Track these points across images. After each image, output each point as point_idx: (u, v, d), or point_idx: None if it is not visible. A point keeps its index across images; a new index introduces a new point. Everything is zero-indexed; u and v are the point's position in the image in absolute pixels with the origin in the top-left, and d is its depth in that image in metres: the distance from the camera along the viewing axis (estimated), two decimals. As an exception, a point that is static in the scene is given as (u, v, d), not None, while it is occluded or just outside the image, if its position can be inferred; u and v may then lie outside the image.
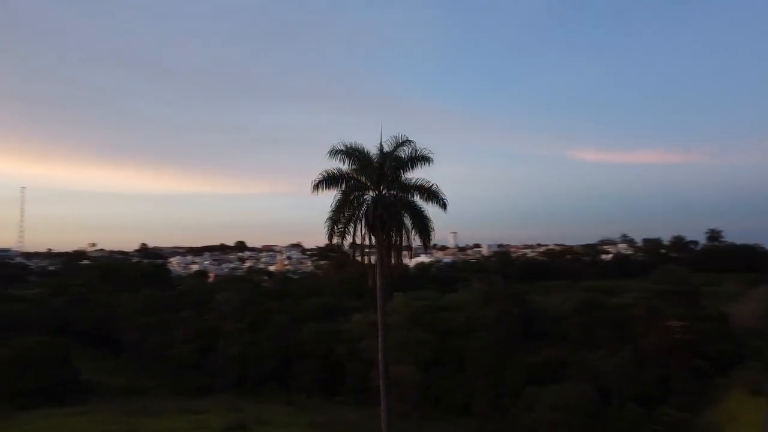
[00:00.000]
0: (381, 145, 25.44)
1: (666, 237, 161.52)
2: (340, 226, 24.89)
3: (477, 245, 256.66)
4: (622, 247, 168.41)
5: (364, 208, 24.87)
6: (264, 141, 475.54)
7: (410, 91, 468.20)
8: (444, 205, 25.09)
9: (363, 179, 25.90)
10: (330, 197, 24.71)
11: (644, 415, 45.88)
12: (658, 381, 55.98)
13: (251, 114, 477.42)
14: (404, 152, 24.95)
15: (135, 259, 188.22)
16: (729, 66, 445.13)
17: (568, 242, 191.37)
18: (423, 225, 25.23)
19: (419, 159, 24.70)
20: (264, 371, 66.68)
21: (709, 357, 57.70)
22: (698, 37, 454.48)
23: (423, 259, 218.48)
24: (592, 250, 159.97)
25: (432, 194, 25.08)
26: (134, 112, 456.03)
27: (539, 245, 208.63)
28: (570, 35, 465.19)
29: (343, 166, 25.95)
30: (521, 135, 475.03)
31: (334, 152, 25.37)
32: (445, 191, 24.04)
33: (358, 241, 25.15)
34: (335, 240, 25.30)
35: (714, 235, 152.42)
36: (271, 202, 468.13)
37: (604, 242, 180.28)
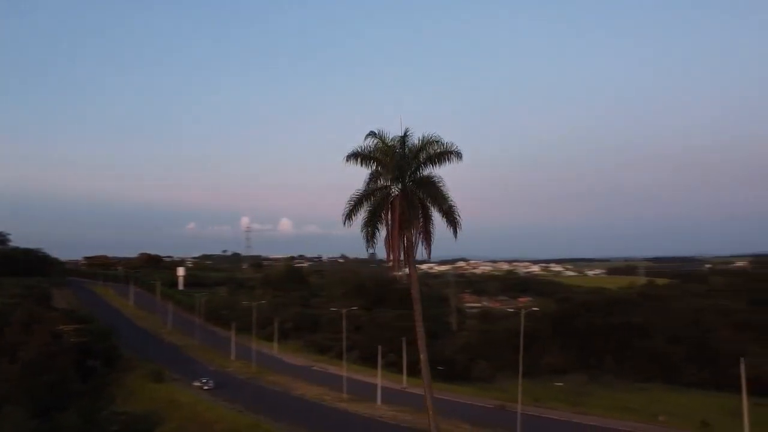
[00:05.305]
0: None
1: None
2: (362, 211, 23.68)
3: None
4: None
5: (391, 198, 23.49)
6: None
7: None
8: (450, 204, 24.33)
9: (389, 166, 25.29)
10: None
11: (86, 418, 45.33)
12: (51, 386, 55.43)
13: None
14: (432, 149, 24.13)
15: None
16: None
17: None
18: (450, 214, 23.36)
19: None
20: None
21: (98, 355, 61.43)
22: None
23: None
24: None
25: (439, 190, 23.58)
26: None
27: None
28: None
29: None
30: None
31: (371, 134, 24.92)
32: None
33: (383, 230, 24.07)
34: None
35: (1, 239, 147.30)
36: None
37: None
